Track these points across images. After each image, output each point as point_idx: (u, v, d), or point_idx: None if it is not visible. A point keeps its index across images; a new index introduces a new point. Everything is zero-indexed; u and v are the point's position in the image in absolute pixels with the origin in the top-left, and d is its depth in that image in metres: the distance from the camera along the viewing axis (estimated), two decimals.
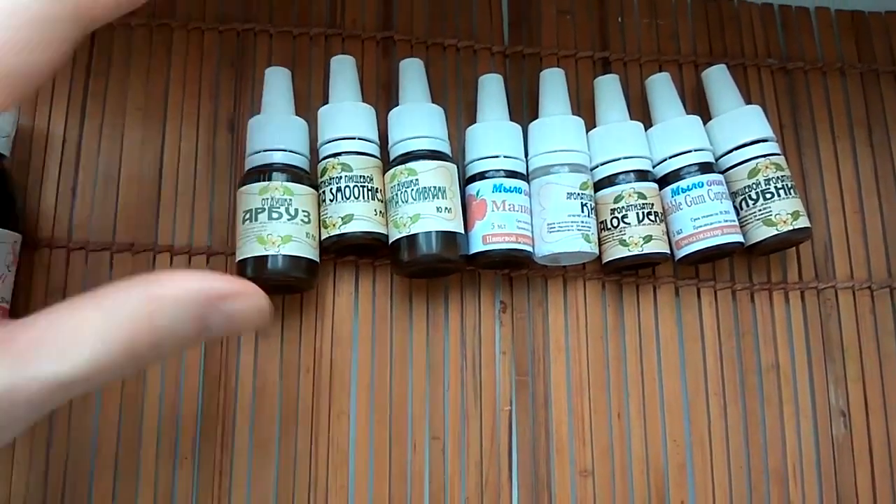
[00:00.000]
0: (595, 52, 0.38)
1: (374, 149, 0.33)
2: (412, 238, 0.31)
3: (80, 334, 0.19)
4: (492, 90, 0.35)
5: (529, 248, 0.33)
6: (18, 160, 0.34)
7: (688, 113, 0.35)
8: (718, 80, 0.36)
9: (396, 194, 0.31)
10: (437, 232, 0.31)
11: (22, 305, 0.33)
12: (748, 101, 0.37)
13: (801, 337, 0.36)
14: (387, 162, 0.33)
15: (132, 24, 0.36)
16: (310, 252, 0.31)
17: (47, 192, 0.34)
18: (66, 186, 0.35)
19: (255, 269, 0.31)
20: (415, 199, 0.31)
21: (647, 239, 0.32)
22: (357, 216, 0.31)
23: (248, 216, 0.31)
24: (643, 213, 0.33)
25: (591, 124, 0.35)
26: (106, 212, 0.34)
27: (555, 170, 0.33)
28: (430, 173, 0.31)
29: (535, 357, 0.34)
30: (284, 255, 0.31)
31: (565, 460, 0.33)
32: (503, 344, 0.34)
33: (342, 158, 0.32)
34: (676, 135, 0.34)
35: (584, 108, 0.37)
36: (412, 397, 0.33)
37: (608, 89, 0.35)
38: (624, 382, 0.34)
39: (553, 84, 0.35)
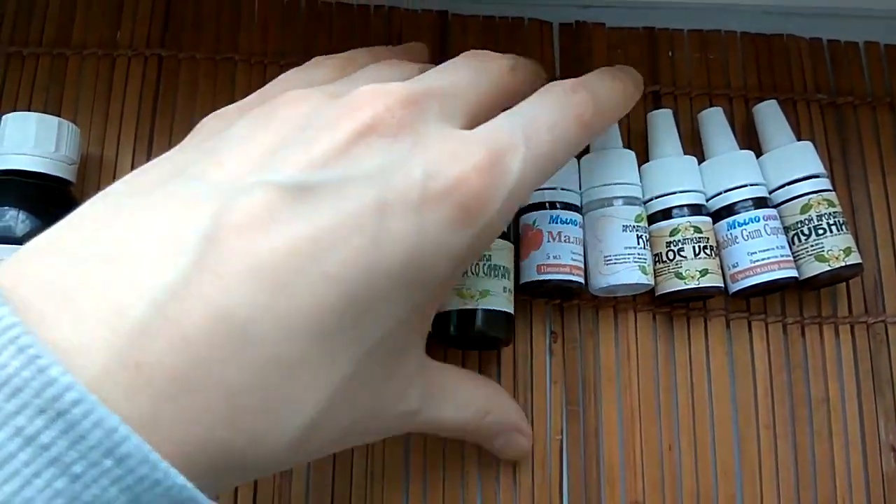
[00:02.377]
0: (646, 87, 0.39)
1: None
2: (475, 312, 0.31)
3: (475, 403, 0.28)
4: None
5: (581, 280, 0.33)
6: (87, 188, 0.36)
7: (738, 147, 0.36)
8: (770, 114, 0.36)
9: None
10: (504, 312, 0.32)
11: None
12: (798, 136, 0.37)
13: (850, 371, 0.36)
14: None
15: (197, 58, 0.38)
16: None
17: None
18: None
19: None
20: (485, 275, 0.31)
21: (704, 273, 0.33)
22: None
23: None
24: (699, 246, 0.33)
25: (641, 157, 0.36)
26: None
27: (610, 203, 0.34)
28: (501, 252, 0.32)
29: (586, 387, 0.35)
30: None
31: (616, 491, 0.34)
32: (554, 373, 0.35)
33: None
34: (731, 169, 0.35)
35: (634, 140, 0.38)
36: None
37: (662, 123, 0.36)
38: (675, 414, 0.35)
39: None
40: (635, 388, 0.35)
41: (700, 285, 0.33)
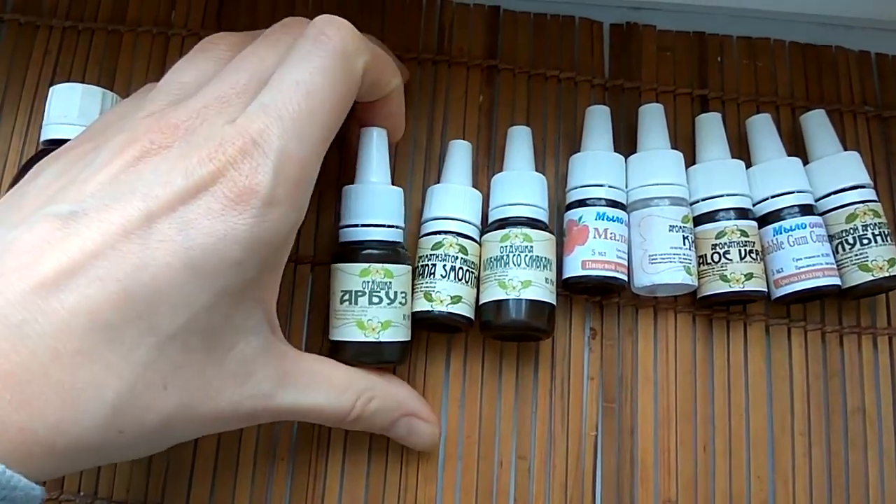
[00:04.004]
0: (694, 90, 0.39)
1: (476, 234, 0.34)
2: (518, 302, 0.32)
3: (356, 390, 0.29)
4: (599, 121, 0.36)
5: (625, 278, 0.34)
6: None
7: (786, 154, 0.36)
8: (818, 124, 0.37)
9: (507, 256, 0.32)
10: (546, 303, 0.32)
11: None
12: (843, 146, 0.37)
13: (887, 382, 0.36)
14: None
15: None
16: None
17: None
18: None
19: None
20: (527, 266, 0.32)
21: (749, 276, 0.33)
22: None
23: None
24: (745, 250, 0.33)
25: (688, 160, 0.36)
26: None
27: (656, 202, 0.34)
28: (544, 244, 0.32)
29: (623, 385, 0.35)
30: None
31: (649, 489, 0.34)
32: (591, 370, 0.35)
33: (461, 241, 0.33)
34: (779, 175, 0.35)
35: (681, 143, 0.38)
36: (500, 415, 0.34)
37: (710, 126, 0.36)
38: (711, 416, 0.35)
39: (653, 118, 0.36)
40: (672, 389, 0.35)
41: (745, 289, 0.33)
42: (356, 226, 0.31)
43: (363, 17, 0.39)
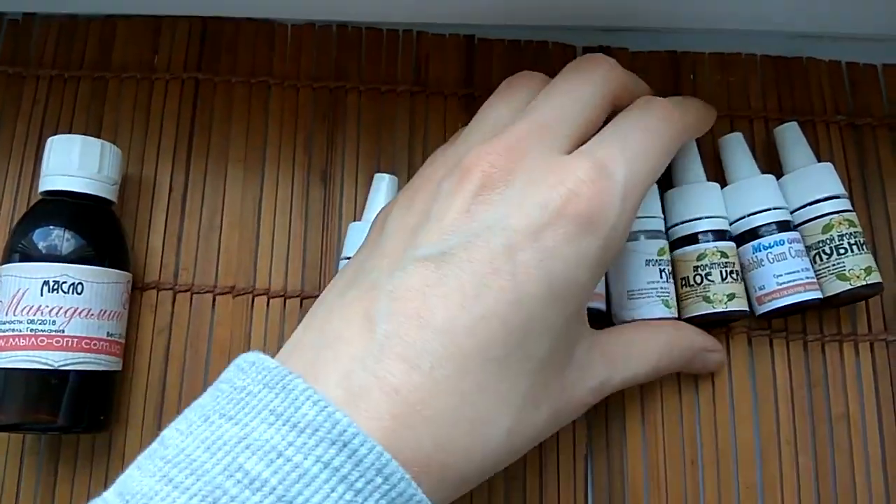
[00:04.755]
0: None
1: None
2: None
3: (652, 348, 0.32)
4: None
5: (604, 307, 0.34)
6: (127, 207, 0.37)
7: (759, 167, 0.37)
8: (791, 136, 0.37)
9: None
10: None
11: (133, 342, 0.35)
12: (817, 156, 0.38)
13: (870, 388, 0.36)
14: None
15: (233, 81, 0.39)
16: None
17: (155, 237, 0.37)
18: (172, 232, 0.37)
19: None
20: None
21: (731, 297, 0.34)
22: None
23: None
24: (726, 271, 0.34)
25: (667, 183, 0.37)
26: (209, 256, 0.37)
27: (633, 237, 0.34)
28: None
29: (610, 402, 0.35)
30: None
31: None
32: None
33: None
34: (754, 193, 0.35)
35: None
36: None
37: (686, 150, 0.37)
38: (697, 429, 0.35)
39: None
40: (658, 404, 0.36)
41: (727, 309, 0.34)
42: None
43: (342, 53, 0.40)
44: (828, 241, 0.35)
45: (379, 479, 0.20)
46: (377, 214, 0.30)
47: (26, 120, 0.39)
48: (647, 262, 0.34)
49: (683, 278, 0.35)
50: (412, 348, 0.22)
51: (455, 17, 0.40)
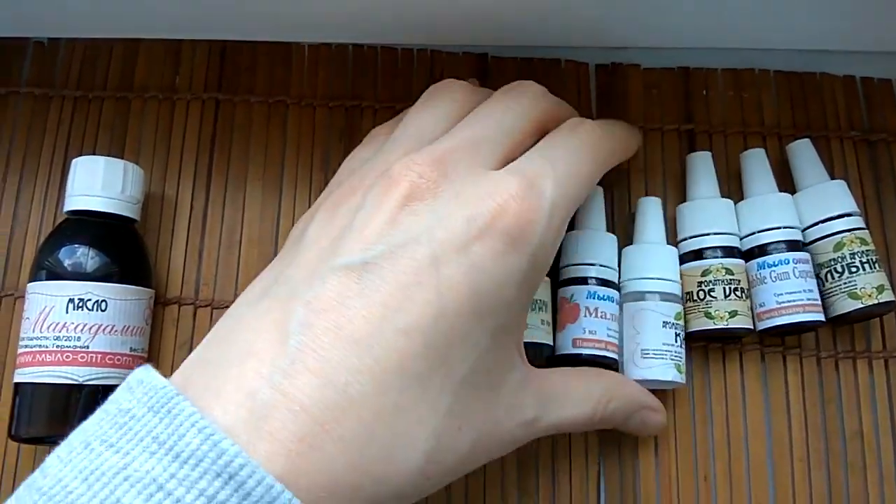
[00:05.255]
0: (681, 125, 0.40)
1: None
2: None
3: (594, 394, 0.30)
4: (595, 201, 0.36)
5: (615, 357, 0.34)
6: (150, 224, 0.38)
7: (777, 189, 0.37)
8: (804, 153, 0.37)
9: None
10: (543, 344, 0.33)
11: (155, 356, 0.36)
12: (831, 173, 0.38)
13: (884, 405, 0.36)
14: None
15: (251, 101, 0.40)
16: None
17: (177, 253, 0.38)
18: (193, 248, 0.38)
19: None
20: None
21: (733, 314, 0.34)
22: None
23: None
24: (730, 288, 0.34)
25: (680, 198, 0.37)
26: (229, 272, 0.38)
27: (649, 297, 0.34)
28: (544, 288, 0.34)
29: None
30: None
31: None
32: None
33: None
34: (767, 210, 0.36)
35: (671, 179, 0.39)
36: None
37: (700, 165, 0.37)
38: (710, 445, 0.36)
39: (648, 209, 0.37)
40: (671, 419, 0.36)
41: (728, 325, 0.34)
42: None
43: (357, 72, 0.41)
44: (839, 260, 0.35)
45: None
46: (295, 224, 0.29)
47: (52, 139, 0.40)
48: (665, 323, 0.34)
49: (688, 293, 0.35)
50: (327, 362, 0.21)
51: (468, 40, 0.41)
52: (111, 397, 0.22)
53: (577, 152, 0.28)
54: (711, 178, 0.37)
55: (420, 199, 0.24)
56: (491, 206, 0.24)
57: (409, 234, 0.23)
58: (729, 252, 0.35)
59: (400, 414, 0.22)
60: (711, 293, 0.34)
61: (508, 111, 0.28)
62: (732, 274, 0.34)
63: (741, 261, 0.35)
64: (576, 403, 0.29)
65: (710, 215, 0.36)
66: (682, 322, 0.34)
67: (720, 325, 0.34)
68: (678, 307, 0.34)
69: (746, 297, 0.35)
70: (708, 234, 0.35)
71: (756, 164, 0.37)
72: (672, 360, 0.33)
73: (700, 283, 0.35)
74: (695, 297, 0.35)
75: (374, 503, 0.21)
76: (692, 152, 0.38)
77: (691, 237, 0.35)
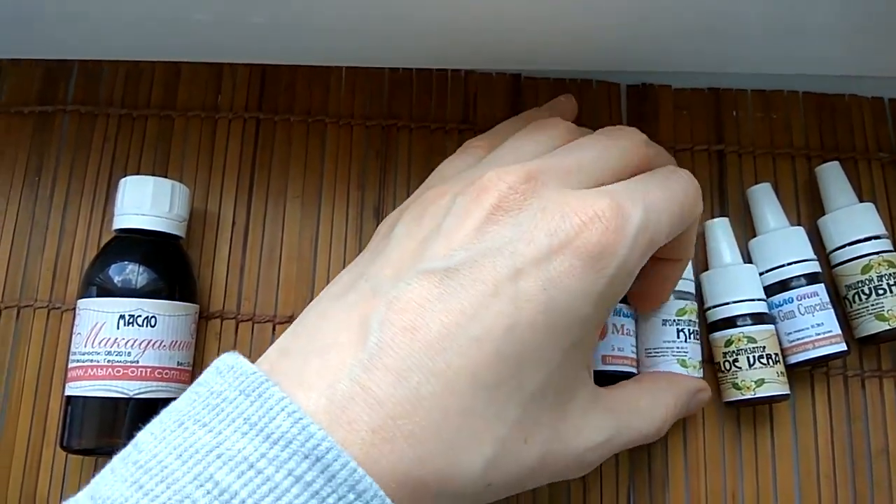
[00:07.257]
0: (710, 145, 0.41)
1: None
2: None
3: (659, 403, 0.31)
4: None
5: (636, 370, 0.35)
6: (193, 239, 0.40)
7: (800, 207, 0.38)
8: (832, 176, 0.38)
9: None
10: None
11: (199, 369, 0.38)
12: (859, 194, 0.38)
13: None
14: None
15: (291, 120, 0.41)
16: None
17: (219, 268, 0.39)
18: (235, 264, 0.39)
19: None
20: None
21: (760, 382, 0.35)
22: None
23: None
24: (754, 356, 0.35)
25: (705, 215, 0.38)
26: (269, 287, 0.39)
27: None
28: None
29: None
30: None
31: None
32: None
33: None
34: (777, 248, 0.37)
35: None
36: None
37: (722, 230, 0.38)
38: (738, 463, 0.36)
39: None
40: (700, 438, 0.37)
41: (756, 395, 0.35)
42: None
43: (393, 93, 0.42)
44: (867, 282, 0.36)
45: (352, 496, 0.20)
46: (382, 221, 0.30)
47: (98, 155, 0.41)
48: (664, 322, 0.35)
49: (717, 364, 0.36)
50: (402, 361, 0.22)
51: (501, 64, 0.42)
52: (199, 379, 0.23)
53: (669, 191, 0.28)
54: (732, 243, 0.38)
55: (507, 211, 0.25)
56: (576, 223, 0.24)
57: (492, 244, 0.24)
58: (757, 318, 0.35)
59: (466, 417, 0.22)
60: (736, 363, 0.35)
61: (607, 149, 0.28)
62: (755, 342, 0.35)
63: (769, 326, 0.35)
64: (645, 418, 0.30)
65: (729, 283, 0.36)
66: (688, 317, 0.35)
67: (748, 396, 0.35)
68: (680, 304, 0.35)
69: (776, 363, 0.35)
70: (730, 303, 0.36)
71: (764, 198, 0.38)
72: (674, 355, 0.34)
73: (725, 354, 0.35)
74: (723, 368, 0.36)
75: (436, 500, 0.22)
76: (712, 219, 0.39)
77: (716, 306, 0.36)
